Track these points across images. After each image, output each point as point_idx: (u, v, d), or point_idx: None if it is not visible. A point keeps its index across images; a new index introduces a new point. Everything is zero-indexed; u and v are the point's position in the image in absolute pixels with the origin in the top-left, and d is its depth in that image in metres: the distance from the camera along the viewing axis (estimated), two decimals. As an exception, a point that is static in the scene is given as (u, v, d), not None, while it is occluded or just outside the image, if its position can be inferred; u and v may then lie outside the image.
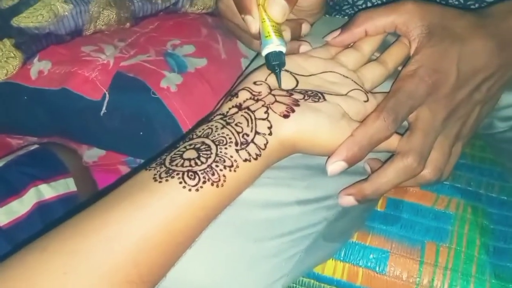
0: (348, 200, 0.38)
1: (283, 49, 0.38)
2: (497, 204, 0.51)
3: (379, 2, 0.52)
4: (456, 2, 0.48)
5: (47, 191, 0.55)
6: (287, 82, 0.39)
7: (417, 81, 0.37)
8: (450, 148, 0.39)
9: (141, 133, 0.55)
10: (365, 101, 0.39)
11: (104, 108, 0.53)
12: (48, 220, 0.53)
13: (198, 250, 0.35)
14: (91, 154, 0.60)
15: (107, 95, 0.53)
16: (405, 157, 0.37)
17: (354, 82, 0.40)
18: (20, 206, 0.52)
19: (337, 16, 0.56)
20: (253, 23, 0.38)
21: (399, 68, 0.41)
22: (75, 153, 0.60)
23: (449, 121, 0.38)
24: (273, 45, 0.37)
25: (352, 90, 0.39)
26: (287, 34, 0.40)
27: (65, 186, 0.57)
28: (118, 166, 0.60)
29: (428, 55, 0.38)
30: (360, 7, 0.53)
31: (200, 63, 0.59)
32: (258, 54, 0.58)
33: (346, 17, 0.55)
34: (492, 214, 0.49)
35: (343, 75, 0.40)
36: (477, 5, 0.48)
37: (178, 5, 0.63)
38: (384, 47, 0.43)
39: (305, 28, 0.42)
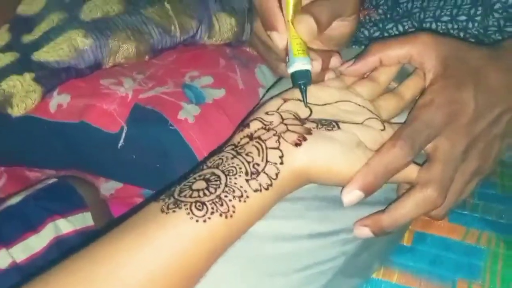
0: (364, 232, 0.36)
1: (309, 67, 0.37)
2: (533, 238, 0.47)
3: (396, 33, 0.51)
4: (476, 32, 0.47)
5: (65, 225, 0.55)
6: (301, 112, 0.38)
7: (434, 110, 0.36)
8: (464, 186, 0.38)
9: (158, 165, 0.54)
10: (381, 130, 0.37)
11: (121, 140, 0.53)
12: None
13: (206, 285, 0.33)
14: (108, 187, 0.60)
15: (125, 128, 0.53)
16: (425, 188, 0.35)
17: (370, 111, 0.39)
18: (38, 242, 0.52)
19: (354, 46, 0.55)
20: (280, 39, 0.38)
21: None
22: (93, 186, 0.60)
23: (468, 155, 0.37)
24: (300, 63, 0.37)
25: (368, 119, 0.38)
26: (317, 64, 0.39)
27: (83, 220, 0.57)
28: (135, 199, 0.59)
29: (444, 86, 0.37)
30: (376, 39, 0.52)
31: (218, 94, 0.59)
32: (275, 83, 0.58)
33: (362, 47, 0.54)
34: (527, 248, 0.46)
35: (359, 104, 0.39)
36: (497, 34, 0.47)
37: (196, 37, 0.63)
38: (402, 76, 0.42)
39: (335, 61, 0.41)
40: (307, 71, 0.37)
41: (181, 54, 0.64)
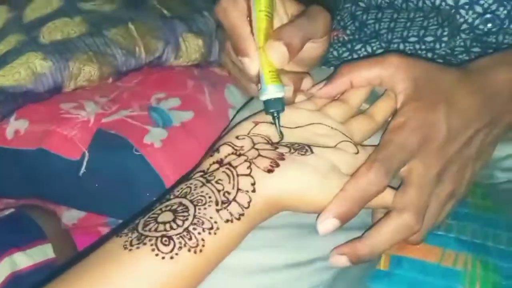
0: (341, 260, 0.35)
1: (282, 95, 0.36)
2: (507, 257, 0.46)
3: (365, 54, 0.51)
4: (443, 53, 0.47)
5: (23, 260, 0.51)
6: (272, 135, 0.36)
7: (408, 133, 0.35)
8: (440, 209, 0.37)
9: (123, 193, 0.51)
10: (355, 153, 0.36)
11: (83, 168, 0.50)
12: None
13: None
14: (70, 216, 0.56)
15: (87, 154, 0.51)
16: (401, 213, 0.34)
17: (343, 134, 0.38)
18: (-8, 280, 0.48)
19: (323, 67, 0.54)
20: (252, 65, 0.36)
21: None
22: (54, 215, 0.57)
23: (442, 178, 0.36)
24: (272, 91, 0.36)
25: (341, 142, 0.37)
26: (290, 89, 0.38)
27: (43, 253, 0.53)
28: (99, 228, 0.56)
29: (416, 108, 0.37)
30: (345, 59, 0.52)
31: (186, 116, 0.57)
32: (245, 104, 0.56)
33: (332, 68, 0.54)
34: (503, 268, 0.45)
35: (331, 127, 0.38)
36: (464, 54, 0.48)
37: (163, 59, 0.61)
38: (371, 97, 0.41)
39: (306, 83, 0.40)
40: (280, 98, 0.36)
41: (146, 76, 0.62)
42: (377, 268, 0.46)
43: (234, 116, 0.55)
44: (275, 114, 0.36)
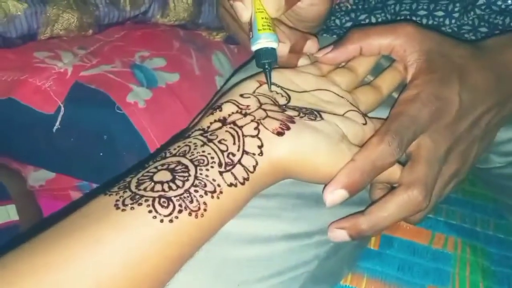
0: (340, 235, 0.33)
1: (275, 45, 0.33)
2: (496, 243, 0.46)
3: (368, 24, 0.49)
4: (450, 30, 0.46)
5: (-17, 220, 0.46)
6: (278, 98, 0.33)
7: (420, 106, 0.33)
8: (443, 189, 0.36)
9: (101, 154, 0.47)
10: (363, 124, 0.34)
11: (57, 123, 0.46)
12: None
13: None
14: (38, 177, 0.51)
15: (62, 108, 0.46)
16: (410, 189, 0.32)
17: (350, 103, 0.35)
18: None
19: (325, 35, 0.52)
20: (244, 11, 0.33)
21: (394, 95, 0.37)
22: (19, 175, 0.52)
23: (449, 155, 0.35)
24: (264, 40, 0.33)
25: (349, 111, 0.34)
26: (285, 46, 0.35)
27: (5, 214, 0.49)
28: (69, 192, 0.52)
29: (428, 81, 0.35)
30: (348, 28, 0.49)
31: (171, 78, 0.53)
32: (235, 72, 0.53)
33: (334, 36, 0.51)
34: (492, 254, 0.45)
35: (338, 95, 0.35)
36: (471, 33, 0.46)
37: (148, 14, 0.57)
38: (376, 71, 0.39)
39: (310, 45, 0.37)
40: (273, 49, 0.33)
41: (130, 31, 0.57)
42: (368, 247, 0.45)
43: (225, 83, 0.51)
44: (267, 66, 0.33)
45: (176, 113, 0.51)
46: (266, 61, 0.33)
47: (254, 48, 0.33)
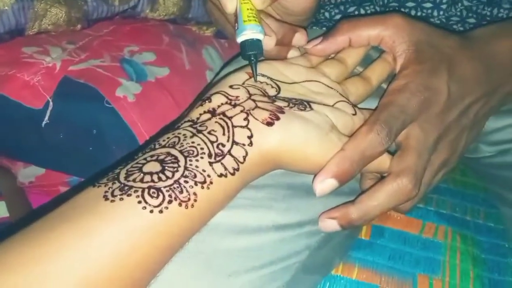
0: (330, 225, 0.33)
1: (261, 36, 0.33)
2: (486, 231, 0.47)
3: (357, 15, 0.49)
4: (438, 22, 0.46)
5: (-28, 216, 0.46)
6: (268, 89, 0.33)
7: (409, 95, 0.34)
8: (433, 178, 0.36)
9: (91, 148, 0.47)
10: (353, 115, 0.34)
11: (46, 118, 0.45)
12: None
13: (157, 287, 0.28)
14: (28, 173, 0.51)
15: (51, 103, 0.45)
16: (399, 177, 0.32)
17: (340, 94, 0.35)
18: None
19: (314, 28, 0.52)
20: (229, 2, 0.33)
21: (383, 86, 0.38)
22: (9, 172, 0.52)
23: (438, 145, 0.35)
24: (250, 31, 0.33)
25: (338, 102, 0.34)
26: (271, 40, 0.35)
27: (-5, 210, 0.48)
28: (59, 188, 0.51)
29: (417, 71, 0.35)
30: (337, 21, 0.49)
31: (161, 73, 0.53)
32: (225, 65, 0.53)
33: (324, 29, 0.51)
34: (482, 242, 0.45)
35: (328, 86, 0.36)
36: (459, 25, 0.46)
37: (137, 9, 0.56)
38: (366, 62, 0.40)
39: (299, 37, 0.37)
40: (258, 40, 0.33)
41: (119, 26, 0.57)
42: (359, 237, 0.45)
43: (214, 77, 0.51)
44: (252, 58, 0.33)
45: (166, 107, 0.50)
46: (252, 53, 0.33)
47: (239, 39, 0.33)
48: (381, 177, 0.35)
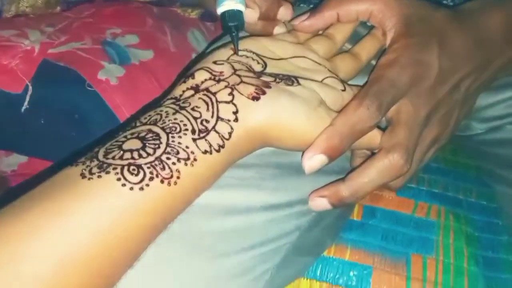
0: (321, 204, 0.32)
1: (242, 8, 0.32)
2: (478, 210, 0.46)
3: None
4: None
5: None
6: (254, 65, 0.32)
7: (399, 70, 0.33)
8: (424, 154, 0.35)
9: (74, 134, 0.45)
10: (342, 90, 0.33)
11: (26, 103, 0.44)
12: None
13: (142, 270, 0.27)
14: (10, 162, 0.49)
15: (30, 87, 0.44)
16: (390, 153, 0.31)
17: (328, 70, 0.34)
18: None
19: (302, 5, 0.50)
20: None
21: (373, 62, 0.36)
22: (-11, 160, 0.50)
23: (430, 120, 0.34)
24: (231, 2, 0.32)
25: (327, 77, 0.33)
26: (253, 12, 0.34)
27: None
28: (43, 175, 0.50)
29: (407, 45, 0.34)
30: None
31: (145, 56, 0.51)
32: (209, 44, 0.52)
33: (311, 6, 0.50)
34: (475, 220, 0.45)
35: (316, 62, 0.35)
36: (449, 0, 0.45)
37: (120, -10, 0.55)
38: (354, 39, 0.39)
39: (284, 12, 0.36)
40: (239, 11, 0.32)
41: (100, 8, 0.55)
42: (351, 218, 0.44)
43: (204, 50, 0.50)
44: (233, 30, 0.32)
45: (151, 90, 0.49)
46: (232, 24, 0.32)
47: (219, 10, 0.32)
48: (372, 154, 0.34)
